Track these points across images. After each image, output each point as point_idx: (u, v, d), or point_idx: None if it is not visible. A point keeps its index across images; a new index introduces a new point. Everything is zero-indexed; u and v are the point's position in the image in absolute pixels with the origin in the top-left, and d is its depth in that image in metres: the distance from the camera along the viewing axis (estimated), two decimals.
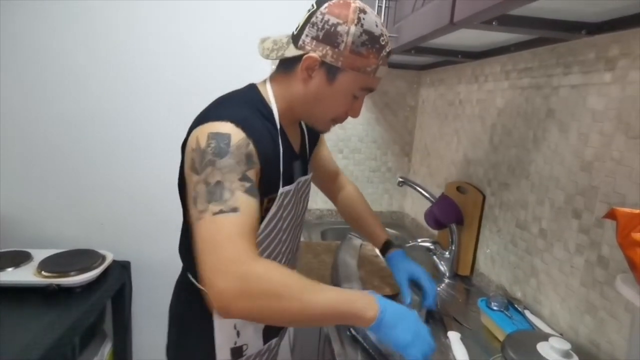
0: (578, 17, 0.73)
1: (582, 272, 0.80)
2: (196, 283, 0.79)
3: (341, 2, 0.68)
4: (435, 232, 1.38)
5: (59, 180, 1.50)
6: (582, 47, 0.82)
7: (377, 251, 1.05)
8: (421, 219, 1.44)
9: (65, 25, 1.41)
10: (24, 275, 1.26)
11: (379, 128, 1.69)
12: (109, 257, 1.42)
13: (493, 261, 1.10)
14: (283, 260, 0.83)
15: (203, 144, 0.62)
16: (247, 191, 0.62)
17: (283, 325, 0.63)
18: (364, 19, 0.68)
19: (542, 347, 0.67)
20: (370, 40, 0.68)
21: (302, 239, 1.34)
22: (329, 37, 0.68)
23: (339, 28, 0.67)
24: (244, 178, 0.62)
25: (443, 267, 1.22)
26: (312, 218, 1.69)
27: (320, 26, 0.68)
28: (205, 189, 0.60)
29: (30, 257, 1.36)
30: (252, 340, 0.82)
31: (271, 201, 0.72)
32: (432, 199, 1.27)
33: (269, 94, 0.75)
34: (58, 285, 1.23)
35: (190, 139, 0.66)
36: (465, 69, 1.30)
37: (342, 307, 0.61)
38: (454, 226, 1.20)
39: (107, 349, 1.55)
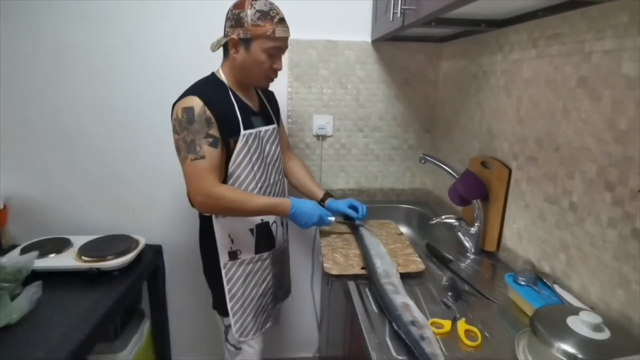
0: None
1: (615, 246, 0.78)
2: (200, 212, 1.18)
3: (239, 0, 1.06)
4: (460, 208, 1.37)
5: (92, 170, 1.57)
6: (615, 10, 0.77)
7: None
8: (445, 196, 1.43)
9: (90, 16, 1.43)
10: (66, 260, 1.33)
11: (399, 105, 1.66)
12: (142, 242, 1.48)
13: (520, 237, 1.09)
14: (260, 193, 1.17)
15: (180, 115, 1.03)
16: (210, 144, 1.03)
17: (234, 215, 1.12)
18: (255, 4, 1.03)
19: (572, 321, 0.67)
20: (263, 15, 1.03)
21: None
22: (237, 21, 1.04)
23: (241, 14, 1.03)
24: (207, 136, 1.03)
25: (468, 243, 1.22)
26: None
27: (231, 18, 1.06)
28: (184, 144, 1.03)
29: (70, 243, 1.44)
30: (244, 248, 1.18)
31: (236, 141, 1.08)
32: (455, 175, 1.25)
33: (220, 73, 1.14)
34: (98, 268, 1.30)
35: (174, 111, 1.06)
36: (489, 39, 1.25)
37: (269, 208, 1.10)
38: (478, 202, 1.19)
39: (146, 326, 1.65)
